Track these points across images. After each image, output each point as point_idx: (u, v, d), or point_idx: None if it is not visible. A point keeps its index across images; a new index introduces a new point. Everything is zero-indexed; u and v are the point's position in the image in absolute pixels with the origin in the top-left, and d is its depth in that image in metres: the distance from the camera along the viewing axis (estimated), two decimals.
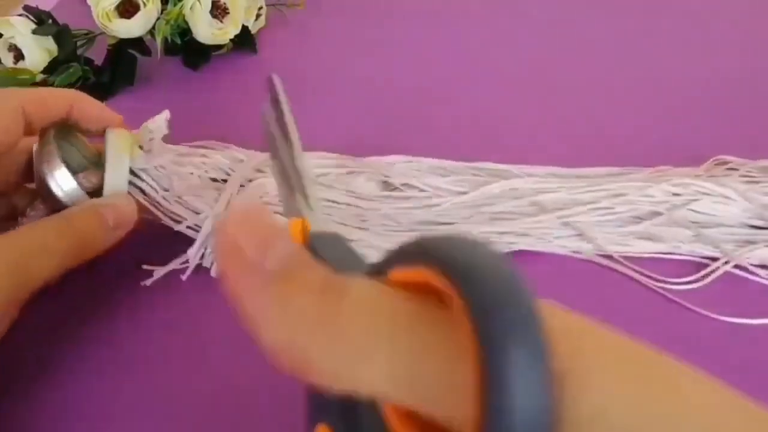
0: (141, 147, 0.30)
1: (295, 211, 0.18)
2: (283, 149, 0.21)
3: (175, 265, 0.30)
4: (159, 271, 0.30)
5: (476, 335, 0.10)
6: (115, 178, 0.28)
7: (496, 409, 0.10)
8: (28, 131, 0.27)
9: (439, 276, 0.11)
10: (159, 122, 0.30)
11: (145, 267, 0.30)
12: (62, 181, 0.27)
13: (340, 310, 0.11)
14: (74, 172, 0.27)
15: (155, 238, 0.31)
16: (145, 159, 0.29)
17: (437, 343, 0.11)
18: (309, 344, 0.11)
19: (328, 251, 0.15)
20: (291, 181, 0.20)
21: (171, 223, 0.30)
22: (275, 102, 0.24)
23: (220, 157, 0.33)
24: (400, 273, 0.12)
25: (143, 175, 0.29)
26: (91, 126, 0.29)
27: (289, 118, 0.23)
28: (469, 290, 0.10)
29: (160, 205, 0.30)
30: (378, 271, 0.13)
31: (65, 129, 0.29)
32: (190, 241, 0.30)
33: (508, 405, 0.10)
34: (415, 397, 0.11)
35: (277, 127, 0.23)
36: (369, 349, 0.11)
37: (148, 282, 0.30)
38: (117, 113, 0.31)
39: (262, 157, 0.34)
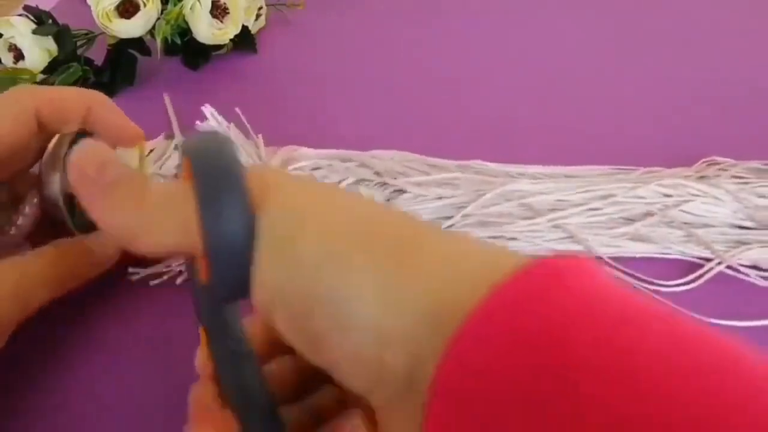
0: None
1: None
2: None
3: (159, 268, 0.30)
4: (144, 272, 0.30)
5: (195, 189, 0.16)
6: None
7: (206, 236, 0.15)
8: (42, 132, 0.26)
9: (185, 161, 0.17)
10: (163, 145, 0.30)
11: (131, 270, 0.30)
12: (52, 194, 0.26)
13: (145, 198, 0.17)
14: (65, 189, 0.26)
15: None
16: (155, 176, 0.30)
17: (189, 206, 0.16)
18: (126, 227, 0.17)
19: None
20: None
21: None
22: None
23: None
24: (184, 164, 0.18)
25: None
26: (106, 135, 0.28)
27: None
28: (193, 162, 0.16)
29: None
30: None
31: (76, 137, 0.27)
32: None
33: (213, 230, 0.15)
34: (190, 242, 0.16)
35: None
36: (163, 218, 0.17)
37: (134, 278, 0.30)
38: (136, 127, 0.29)
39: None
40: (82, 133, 0.27)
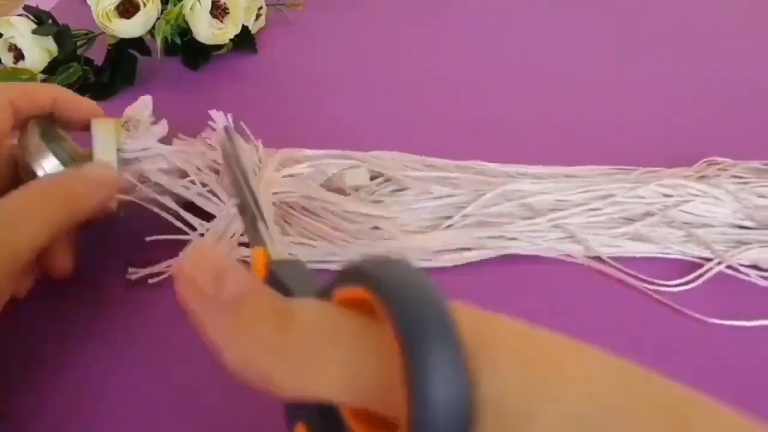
0: (127, 131, 0.31)
1: (258, 241, 0.20)
2: (241, 183, 0.23)
3: (159, 267, 0.30)
4: (143, 271, 0.30)
5: (399, 339, 0.12)
6: (104, 155, 0.29)
7: (419, 401, 0.11)
8: (18, 125, 0.28)
9: (369, 293, 0.13)
10: (140, 107, 0.30)
11: (130, 270, 0.30)
12: (50, 169, 0.27)
13: (289, 331, 0.13)
14: (63, 163, 0.28)
15: (144, 244, 0.31)
16: (131, 141, 0.30)
17: (373, 350, 0.13)
18: (265, 364, 0.13)
19: (288, 276, 0.17)
20: (251, 213, 0.21)
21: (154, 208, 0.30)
22: (229, 140, 0.26)
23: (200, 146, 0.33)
24: (343, 292, 0.14)
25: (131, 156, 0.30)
26: (74, 117, 0.30)
27: (242, 152, 0.25)
28: (390, 302, 0.12)
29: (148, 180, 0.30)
30: (327, 291, 0.15)
31: (47, 123, 0.29)
32: (178, 245, 0.30)
33: (428, 396, 0.11)
34: (360, 397, 0.13)
35: (234, 163, 0.24)
36: (317, 362, 0.13)
37: (133, 277, 0.30)
38: (100, 109, 0.31)
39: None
40: (47, 120, 0.29)
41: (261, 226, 0.20)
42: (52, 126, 0.29)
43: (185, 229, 0.30)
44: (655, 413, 0.12)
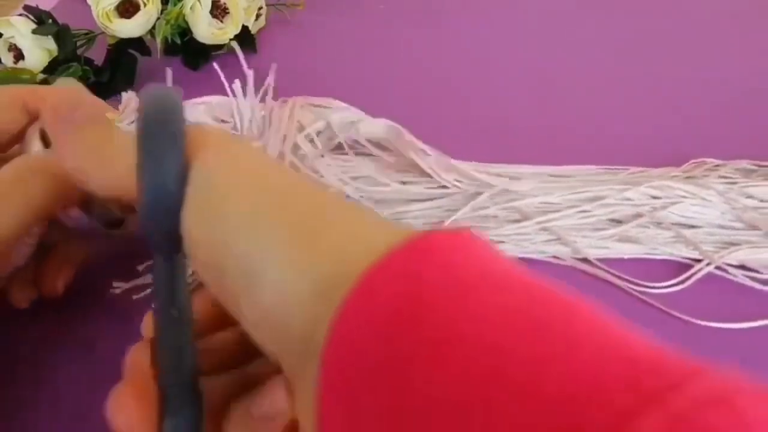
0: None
1: None
2: None
3: (144, 280, 0.29)
4: (125, 286, 0.29)
5: (136, 137, 0.16)
6: None
7: (139, 182, 0.16)
8: (31, 122, 0.28)
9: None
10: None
11: (114, 284, 0.29)
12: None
13: (105, 142, 0.19)
14: None
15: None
16: (124, 125, 0.30)
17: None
18: (84, 162, 0.18)
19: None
20: None
21: None
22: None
23: None
24: None
25: None
26: None
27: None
28: (138, 111, 0.17)
29: None
30: None
31: None
32: None
33: (146, 177, 0.16)
34: (130, 188, 0.17)
35: None
36: (115, 162, 0.18)
37: (117, 290, 0.29)
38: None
39: None
40: None
41: None
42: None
43: None
44: (308, 199, 0.17)
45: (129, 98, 0.30)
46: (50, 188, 0.24)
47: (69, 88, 0.20)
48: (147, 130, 0.16)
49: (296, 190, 0.17)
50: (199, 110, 0.31)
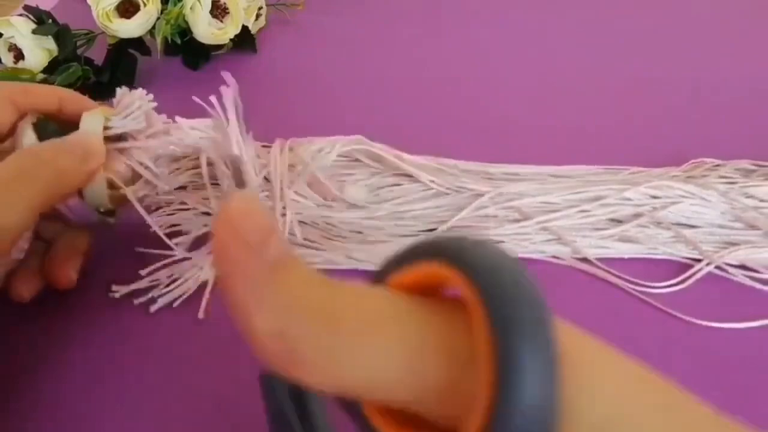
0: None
1: None
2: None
3: (142, 283, 0.29)
4: (123, 289, 0.29)
5: (489, 331, 0.10)
6: (88, 127, 0.28)
7: (506, 403, 0.10)
8: (21, 118, 0.28)
9: (453, 274, 0.11)
10: (133, 95, 0.30)
11: (114, 287, 0.29)
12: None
13: (338, 301, 0.11)
14: None
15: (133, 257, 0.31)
16: (119, 118, 0.29)
17: (442, 342, 0.11)
18: (302, 333, 0.11)
19: None
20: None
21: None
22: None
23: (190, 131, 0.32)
24: (403, 274, 0.12)
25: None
26: (78, 116, 0.29)
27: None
28: (487, 290, 0.11)
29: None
30: (378, 278, 0.13)
31: (43, 120, 0.29)
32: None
33: (519, 399, 0.10)
34: (414, 395, 0.11)
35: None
36: (373, 347, 0.11)
37: (117, 295, 0.29)
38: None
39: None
40: (44, 120, 0.29)
41: None
42: (47, 123, 0.29)
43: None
44: None
45: (123, 93, 0.30)
46: (53, 179, 0.25)
47: (247, 197, 0.12)
48: (516, 317, 0.11)
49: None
50: (192, 136, 0.30)
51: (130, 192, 0.28)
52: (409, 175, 0.35)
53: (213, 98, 0.31)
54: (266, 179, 0.33)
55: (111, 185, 0.28)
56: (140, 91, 0.30)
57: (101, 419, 0.25)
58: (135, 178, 0.29)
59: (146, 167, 0.29)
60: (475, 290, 0.11)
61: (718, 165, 0.37)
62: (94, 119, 0.28)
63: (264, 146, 0.35)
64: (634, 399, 0.11)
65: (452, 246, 0.11)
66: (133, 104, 0.29)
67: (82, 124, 0.28)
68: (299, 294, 0.11)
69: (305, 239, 0.32)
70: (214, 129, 0.31)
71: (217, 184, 0.31)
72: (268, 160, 0.34)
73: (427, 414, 0.11)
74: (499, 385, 0.10)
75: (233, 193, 0.12)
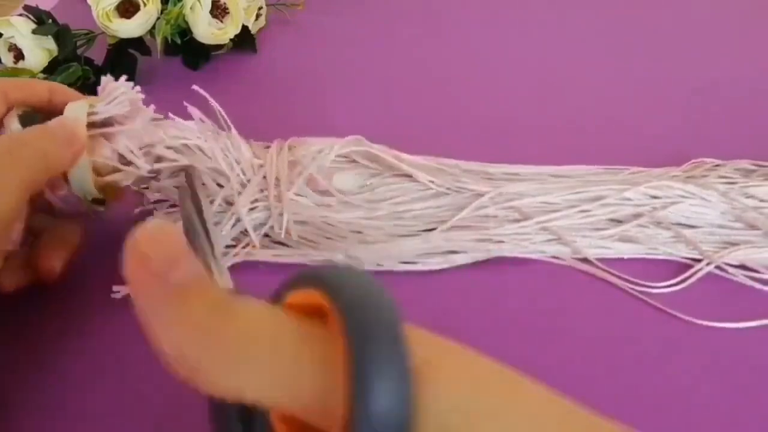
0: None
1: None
2: (194, 218, 0.23)
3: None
4: (124, 290, 0.29)
5: (346, 345, 0.12)
6: (72, 113, 0.28)
7: (359, 409, 0.12)
8: (9, 110, 0.28)
9: (322, 296, 0.13)
10: (117, 85, 0.30)
11: (114, 288, 0.29)
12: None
13: (229, 327, 0.13)
14: None
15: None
16: (103, 105, 0.29)
17: (315, 355, 0.13)
18: (200, 355, 0.12)
19: None
20: (201, 248, 0.21)
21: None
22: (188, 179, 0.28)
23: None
24: (295, 296, 0.14)
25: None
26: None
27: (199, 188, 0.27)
28: (342, 306, 0.13)
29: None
30: (278, 295, 0.15)
31: (30, 112, 0.29)
32: None
33: (370, 405, 0.12)
34: (294, 403, 0.13)
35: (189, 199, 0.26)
36: (253, 362, 0.12)
37: (118, 295, 0.29)
38: None
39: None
40: (30, 112, 0.29)
41: (210, 260, 0.20)
42: (33, 115, 0.29)
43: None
44: None
45: (107, 81, 0.30)
46: (36, 161, 0.25)
47: (158, 226, 0.13)
48: (367, 333, 0.12)
49: (573, 424, 0.13)
50: (177, 136, 0.30)
51: (119, 176, 0.28)
52: (408, 175, 0.35)
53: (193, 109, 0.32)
54: (265, 178, 0.33)
55: (98, 173, 0.28)
56: (123, 79, 0.30)
57: (102, 418, 0.25)
58: (123, 164, 0.29)
59: (131, 151, 0.29)
60: (339, 315, 0.13)
61: (718, 165, 0.37)
62: (78, 106, 0.28)
63: (267, 147, 0.35)
64: (480, 394, 0.13)
65: (327, 275, 0.14)
66: (118, 89, 0.29)
67: (66, 111, 0.28)
68: (197, 317, 0.13)
69: (305, 239, 0.32)
70: (200, 131, 0.31)
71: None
72: (266, 160, 0.34)
73: (318, 424, 0.13)
74: (351, 395, 0.12)
75: (146, 222, 0.13)
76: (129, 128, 0.29)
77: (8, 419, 0.25)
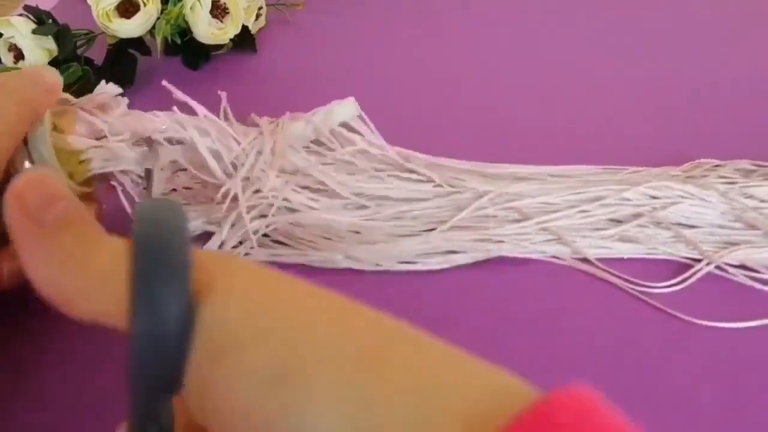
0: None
1: None
2: None
3: None
4: None
5: (130, 266, 0.13)
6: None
7: (133, 327, 0.13)
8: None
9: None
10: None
11: None
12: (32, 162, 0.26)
13: (92, 254, 0.14)
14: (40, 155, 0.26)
15: None
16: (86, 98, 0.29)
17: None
18: (65, 282, 0.14)
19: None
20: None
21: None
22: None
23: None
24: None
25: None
26: None
27: None
28: (133, 237, 0.14)
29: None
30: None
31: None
32: None
33: (141, 317, 0.13)
34: (111, 315, 0.14)
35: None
36: (110, 284, 0.14)
37: None
38: None
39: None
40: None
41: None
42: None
43: None
44: (350, 346, 0.13)
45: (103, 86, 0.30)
46: (16, 105, 0.24)
47: (38, 173, 0.15)
48: (141, 266, 0.13)
49: (347, 325, 0.14)
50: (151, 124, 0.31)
51: (92, 153, 0.28)
52: (408, 174, 0.35)
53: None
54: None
55: (70, 151, 0.27)
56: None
57: (102, 418, 0.25)
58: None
59: (104, 121, 0.29)
60: (131, 243, 0.14)
61: (717, 165, 0.37)
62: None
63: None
64: (252, 318, 0.14)
65: (138, 207, 0.15)
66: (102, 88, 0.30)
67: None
68: (66, 248, 0.14)
69: (304, 239, 0.32)
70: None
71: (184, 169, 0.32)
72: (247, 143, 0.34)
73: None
74: (130, 314, 0.13)
75: (28, 170, 0.15)
76: (101, 100, 0.29)
77: (4, 420, 0.25)
